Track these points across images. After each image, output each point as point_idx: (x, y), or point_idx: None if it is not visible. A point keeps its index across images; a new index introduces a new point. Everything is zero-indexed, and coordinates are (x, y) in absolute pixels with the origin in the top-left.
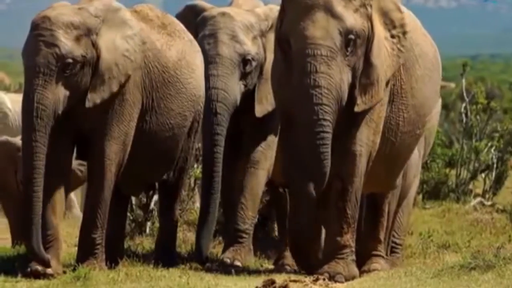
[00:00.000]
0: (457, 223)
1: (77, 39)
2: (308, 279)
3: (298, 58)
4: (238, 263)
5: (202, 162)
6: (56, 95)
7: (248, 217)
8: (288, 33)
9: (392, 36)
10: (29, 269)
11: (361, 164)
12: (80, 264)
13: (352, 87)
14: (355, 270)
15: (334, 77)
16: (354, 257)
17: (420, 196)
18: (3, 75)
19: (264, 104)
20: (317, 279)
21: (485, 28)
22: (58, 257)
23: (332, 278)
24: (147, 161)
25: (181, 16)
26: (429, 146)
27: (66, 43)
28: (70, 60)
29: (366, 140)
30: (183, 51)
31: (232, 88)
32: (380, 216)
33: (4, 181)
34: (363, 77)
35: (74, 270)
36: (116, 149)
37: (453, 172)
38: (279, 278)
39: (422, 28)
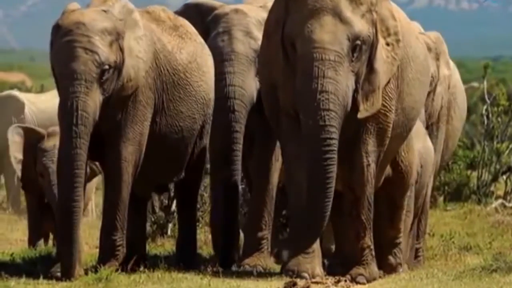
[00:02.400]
0: (479, 224)
1: (110, 45)
2: (329, 281)
3: (304, 61)
4: (260, 269)
5: (222, 159)
6: (95, 101)
7: (266, 224)
8: (294, 35)
9: (387, 44)
10: (50, 271)
11: (370, 172)
12: (102, 266)
13: (354, 92)
14: (376, 271)
15: (341, 83)
16: (373, 253)
17: (442, 198)
18: (25, 77)
19: None
20: (338, 281)
21: (507, 30)
22: (80, 260)
23: (353, 279)
24: (155, 163)
25: (183, 15)
26: (448, 149)
27: (104, 49)
28: (107, 67)
29: (373, 148)
30: (194, 53)
31: (249, 85)
32: (399, 208)
33: (29, 174)
34: (366, 83)
35: (96, 271)
36: (131, 150)
37: (475, 174)
38: (301, 280)
39: (415, 30)
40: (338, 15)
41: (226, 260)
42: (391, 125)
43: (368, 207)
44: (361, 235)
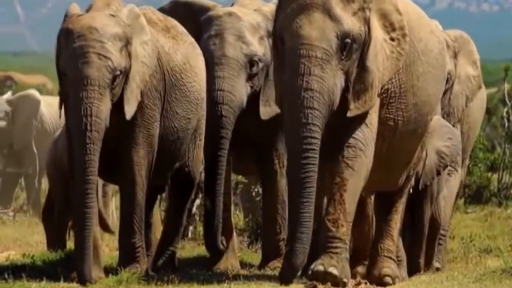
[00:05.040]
0: (499, 227)
1: (121, 50)
2: (350, 283)
3: (291, 57)
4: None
5: (204, 165)
6: (107, 107)
7: (280, 227)
8: (283, 30)
9: (392, 39)
10: (71, 275)
11: (360, 159)
12: (122, 268)
13: (344, 91)
14: (348, 271)
15: (327, 81)
16: (348, 255)
17: (462, 201)
18: (46, 79)
19: (272, 106)
20: (359, 283)
21: None
22: (100, 265)
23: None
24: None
25: (170, 12)
26: (469, 140)
27: (116, 55)
28: (118, 72)
29: (364, 137)
30: (187, 54)
31: (239, 90)
32: (394, 213)
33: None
34: (357, 82)
35: (116, 274)
36: (143, 153)
37: (495, 176)
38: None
39: (430, 24)
40: (328, 12)
41: (211, 251)
42: (376, 124)
43: (353, 197)
44: (339, 222)
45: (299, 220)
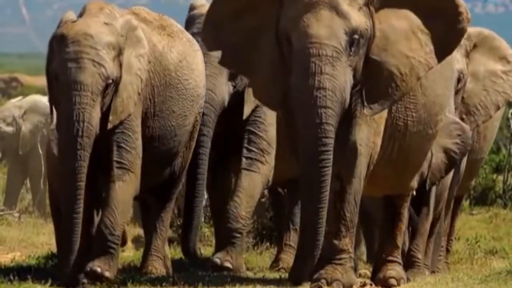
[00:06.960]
0: (504, 228)
1: (113, 59)
2: (355, 285)
3: (300, 57)
4: (228, 265)
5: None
6: (98, 114)
7: (241, 217)
8: (289, 30)
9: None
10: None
11: (361, 165)
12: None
13: (352, 88)
14: (354, 278)
15: (338, 78)
16: (353, 264)
17: (467, 202)
18: None
19: (248, 106)
20: (364, 285)
21: None
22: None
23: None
24: (149, 166)
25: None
26: (486, 140)
27: (110, 64)
28: (110, 81)
29: (366, 140)
30: (183, 52)
31: (220, 89)
32: (398, 220)
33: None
34: (364, 77)
35: (121, 274)
36: (131, 157)
37: (500, 178)
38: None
39: None
40: (335, 9)
41: (186, 255)
42: (384, 120)
43: (353, 205)
44: (342, 234)
45: (314, 225)
